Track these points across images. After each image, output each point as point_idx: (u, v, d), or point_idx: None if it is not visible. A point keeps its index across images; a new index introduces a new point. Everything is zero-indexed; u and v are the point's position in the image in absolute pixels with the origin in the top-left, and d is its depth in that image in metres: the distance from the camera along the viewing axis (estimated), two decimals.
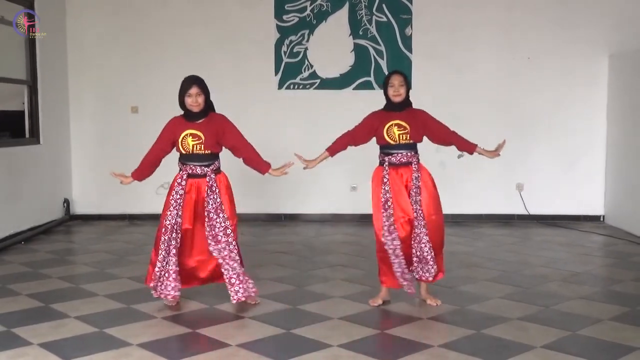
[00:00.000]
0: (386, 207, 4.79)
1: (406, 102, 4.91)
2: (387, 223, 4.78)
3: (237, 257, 4.81)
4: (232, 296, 4.75)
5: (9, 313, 4.70)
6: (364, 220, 8.43)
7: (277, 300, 5.06)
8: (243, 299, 4.78)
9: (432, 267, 4.80)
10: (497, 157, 5.06)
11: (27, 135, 7.92)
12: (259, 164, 4.94)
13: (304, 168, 5.17)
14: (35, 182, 7.84)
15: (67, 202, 8.62)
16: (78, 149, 8.79)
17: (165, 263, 4.76)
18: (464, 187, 8.59)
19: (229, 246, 4.76)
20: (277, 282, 5.59)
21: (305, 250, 6.98)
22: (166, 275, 4.76)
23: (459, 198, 8.57)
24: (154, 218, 8.67)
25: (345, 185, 8.70)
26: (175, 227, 4.75)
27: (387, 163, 4.87)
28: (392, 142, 4.84)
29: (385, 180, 4.83)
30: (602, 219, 8.65)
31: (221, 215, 4.76)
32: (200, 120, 4.78)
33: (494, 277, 5.78)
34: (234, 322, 4.56)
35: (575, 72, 8.55)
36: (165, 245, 4.74)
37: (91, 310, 4.77)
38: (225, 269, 4.77)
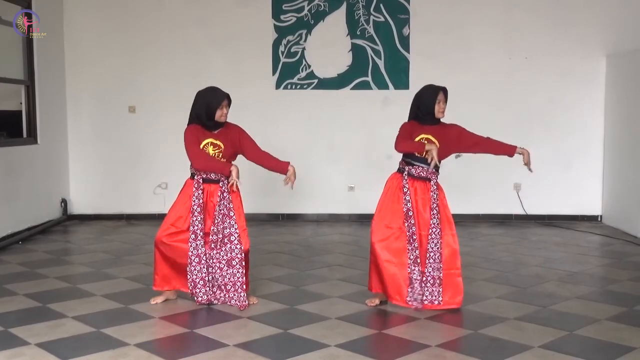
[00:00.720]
0: (408, 216, 4.74)
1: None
2: (409, 232, 4.73)
3: (242, 265, 4.80)
4: (219, 299, 4.84)
5: (6, 313, 4.69)
6: (362, 220, 8.44)
7: (274, 300, 5.06)
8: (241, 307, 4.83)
9: (439, 291, 4.74)
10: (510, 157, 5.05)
11: (24, 135, 7.90)
12: (278, 166, 4.97)
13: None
14: (33, 182, 7.84)
15: (64, 202, 8.61)
16: (75, 149, 8.78)
17: (197, 270, 4.78)
18: (462, 187, 8.58)
19: (233, 252, 4.78)
20: (275, 282, 5.59)
21: (303, 250, 6.98)
22: (201, 283, 4.80)
23: (457, 198, 8.51)
24: (152, 218, 8.73)
25: (343, 186, 8.70)
26: (202, 233, 4.79)
27: (406, 173, 4.80)
28: (417, 154, 4.75)
29: (405, 190, 4.76)
30: (599, 219, 8.66)
31: (229, 221, 4.79)
32: (218, 130, 4.85)
33: (490, 277, 5.79)
34: (231, 322, 4.56)
35: (573, 72, 8.56)
36: (197, 251, 4.77)
37: (88, 310, 4.76)
38: (224, 274, 4.80)
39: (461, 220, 8.56)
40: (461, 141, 4.87)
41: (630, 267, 6.22)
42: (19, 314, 4.67)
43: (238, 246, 4.79)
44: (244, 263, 4.80)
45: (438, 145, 4.70)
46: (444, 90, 4.85)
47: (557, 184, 8.63)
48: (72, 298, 5.08)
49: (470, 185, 8.62)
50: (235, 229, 4.80)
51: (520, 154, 4.98)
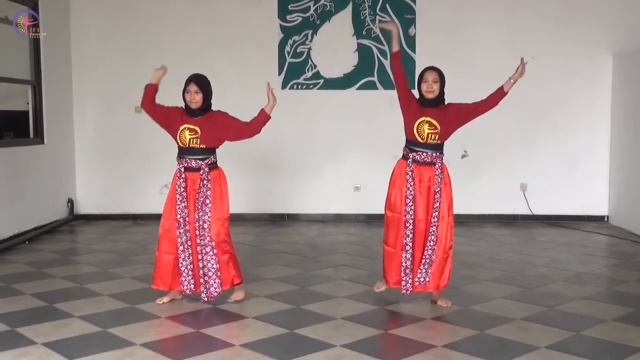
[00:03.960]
0: (407, 202, 4.80)
1: (440, 99, 4.84)
2: (405, 218, 4.79)
3: (214, 253, 4.82)
4: (205, 293, 4.85)
5: (13, 312, 4.71)
6: (368, 220, 8.44)
7: (280, 300, 5.06)
8: (211, 298, 4.85)
9: (427, 272, 4.84)
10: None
11: (31, 135, 7.93)
12: (260, 122, 5.00)
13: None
14: (39, 182, 7.86)
15: (70, 202, 8.63)
16: (82, 149, 8.81)
17: (181, 259, 4.85)
18: (468, 187, 8.57)
19: (211, 241, 4.81)
20: (281, 282, 5.59)
21: (309, 250, 6.98)
22: (185, 272, 4.84)
23: (463, 198, 8.51)
24: (158, 218, 8.64)
25: (348, 186, 8.70)
26: (186, 220, 4.83)
27: (411, 159, 4.83)
28: (420, 139, 4.79)
29: (408, 177, 4.81)
30: (606, 219, 8.64)
31: (206, 209, 4.82)
32: (199, 117, 4.88)
33: (496, 277, 5.78)
34: (237, 322, 4.56)
35: (579, 72, 8.54)
36: (181, 239, 4.83)
37: (95, 309, 4.78)
38: (202, 263, 4.83)
39: (467, 220, 8.58)
40: (461, 114, 4.88)
41: (637, 267, 6.19)
42: (25, 314, 4.69)
43: (209, 237, 4.83)
44: (215, 250, 4.82)
45: (440, 127, 4.76)
46: (432, 69, 4.88)
47: (563, 184, 8.61)
48: (78, 298, 5.09)
49: (477, 186, 8.61)
50: (208, 217, 4.82)
51: (513, 80, 5.06)
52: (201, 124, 4.84)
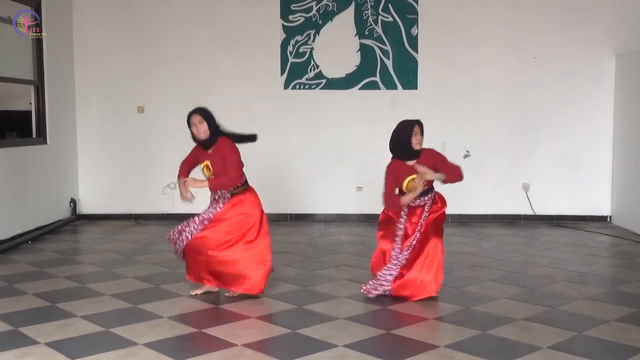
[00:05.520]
0: None
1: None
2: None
3: None
4: None
5: (15, 312, 4.72)
6: (370, 220, 8.43)
7: (282, 300, 5.07)
8: None
9: None
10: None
11: (34, 135, 7.94)
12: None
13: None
14: (42, 182, 7.87)
15: (73, 202, 8.64)
16: (84, 149, 8.82)
17: None
18: (470, 187, 8.54)
19: None
20: (283, 282, 5.59)
21: (311, 250, 6.98)
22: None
23: (465, 198, 8.56)
24: (160, 218, 8.76)
25: (351, 186, 8.70)
26: None
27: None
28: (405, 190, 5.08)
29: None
30: (609, 220, 8.63)
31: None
32: (211, 150, 5.01)
33: (499, 277, 5.77)
34: (239, 322, 4.57)
35: (582, 72, 8.53)
36: None
37: (97, 309, 4.78)
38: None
39: (470, 220, 8.58)
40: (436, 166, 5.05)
41: None
42: (28, 314, 4.70)
43: None
44: None
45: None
46: (419, 123, 5.05)
47: (566, 184, 8.61)
48: (81, 297, 5.10)
49: (479, 186, 8.60)
50: None
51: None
52: (212, 159, 4.96)
